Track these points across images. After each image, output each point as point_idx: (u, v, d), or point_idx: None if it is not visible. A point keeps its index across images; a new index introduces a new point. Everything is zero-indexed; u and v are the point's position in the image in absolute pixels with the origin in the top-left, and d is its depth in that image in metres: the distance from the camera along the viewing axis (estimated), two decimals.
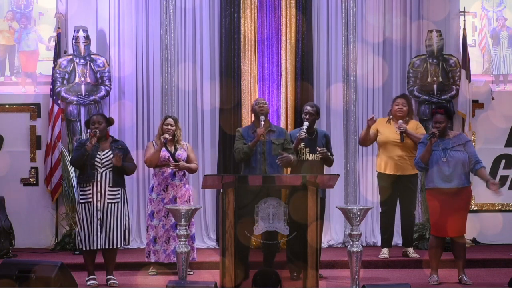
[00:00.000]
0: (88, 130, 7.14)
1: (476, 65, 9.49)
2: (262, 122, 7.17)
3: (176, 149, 7.52)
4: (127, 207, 7.01)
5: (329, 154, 7.33)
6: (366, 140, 8.08)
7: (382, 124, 8.09)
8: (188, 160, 7.56)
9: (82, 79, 8.99)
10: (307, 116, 7.38)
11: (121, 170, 6.92)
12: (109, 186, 6.84)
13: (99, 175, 6.82)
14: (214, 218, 9.15)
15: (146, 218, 7.73)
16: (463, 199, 6.95)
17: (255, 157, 7.13)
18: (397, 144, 7.94)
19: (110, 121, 7.13)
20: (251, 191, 6.35)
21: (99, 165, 6.83)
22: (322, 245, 8.59)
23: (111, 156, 6.85)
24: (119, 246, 6.89)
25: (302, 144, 7.28)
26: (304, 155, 7.32)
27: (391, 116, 8.07)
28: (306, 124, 7.31)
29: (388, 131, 8.00)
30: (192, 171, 7.65)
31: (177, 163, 7.44)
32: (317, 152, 7.22)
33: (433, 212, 6.97)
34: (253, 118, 7.53)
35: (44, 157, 9.08)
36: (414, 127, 8.05)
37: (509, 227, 9.29)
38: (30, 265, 6.27)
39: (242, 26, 9.16)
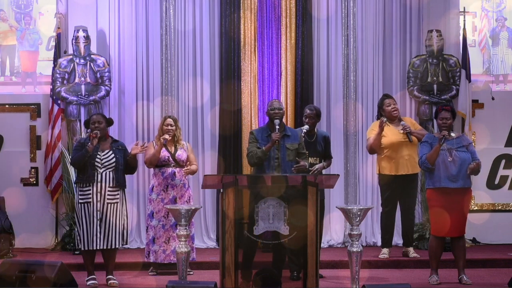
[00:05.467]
0: (88, 130, 7.13)
1: (476, 65, 9.49)
2: (277, 126, 6.91)
3: (176, 149, 7.52)
4: (126, 207, 7.01)
5: (324, 166, 7.35)
6: (378, 146, 7.96)
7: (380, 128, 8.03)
8: (188, 161, 7.56)
9: (82, 79, 8.99)
10: (307, 119, 7.38)
11: (127, 166, 6.95)
12: (109, 187, 6.84)
13: (99, 176, 6.81)
14: (214, 218, 9.15)
15: (146, 218, 7.73)
16: (464, 200, 6.97)
17: (268, 162, 6.90)
18: (404, 144, 7.92)
19: (109, 121, 7.13)
20: (251, 191, 6.33)
21: (99, 165, 6.83)
22: (322, 245, 8.59)
23: (113, 158, 6.86)
24: (117, 246, 6.89)
25: None
26: None
27: (385, 119, 7.95)
28: (306, 127, 7.31)
29: (390, 133, 7.96)
30: (193, 172, 7.68)
31: (187, 169, 7.45)
32: (310, 173, 7.06)
33: (434, 212, 6.96)
34: (266, 120, 7.39)
35: (44, 157, 9.07)
36: (411, 123, 8.10)
37: (509, 227, 9.29)
38: (30, 265, 6.25)
39: (242, 26, 9.16)
